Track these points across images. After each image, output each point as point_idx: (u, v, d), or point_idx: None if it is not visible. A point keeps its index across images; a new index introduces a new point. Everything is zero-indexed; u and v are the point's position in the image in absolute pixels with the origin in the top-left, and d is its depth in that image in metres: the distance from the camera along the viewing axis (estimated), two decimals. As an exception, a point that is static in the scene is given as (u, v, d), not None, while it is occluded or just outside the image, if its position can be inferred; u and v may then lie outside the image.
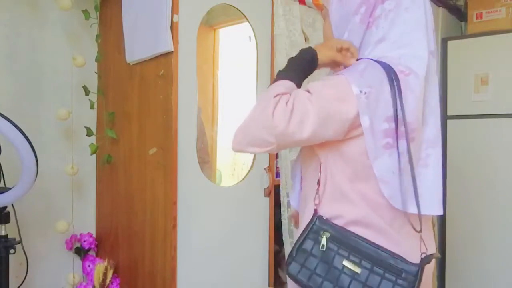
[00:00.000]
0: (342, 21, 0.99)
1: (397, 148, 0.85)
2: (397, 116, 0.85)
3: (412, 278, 0.81)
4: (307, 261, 0.90)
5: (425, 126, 0.91)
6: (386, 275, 0.83)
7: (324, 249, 0.89)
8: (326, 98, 0.85)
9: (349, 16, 0.97)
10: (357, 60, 0.94)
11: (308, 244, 0.91)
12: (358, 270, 0.85)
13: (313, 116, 0.83)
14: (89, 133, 1.75)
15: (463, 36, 2.84)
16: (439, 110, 0.94)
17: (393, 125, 0.85)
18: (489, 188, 2.49)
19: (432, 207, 0.88)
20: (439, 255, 0.83)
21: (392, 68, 0.88)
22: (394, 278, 0.82)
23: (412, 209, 0.86)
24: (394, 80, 0.86)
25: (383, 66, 0.88)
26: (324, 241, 0.89)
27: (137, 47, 1.62)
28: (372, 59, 0.90)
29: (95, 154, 1.82)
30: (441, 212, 0.88)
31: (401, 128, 0.85)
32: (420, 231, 0.84)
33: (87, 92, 1.75)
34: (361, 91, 0.85)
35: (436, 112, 0.93)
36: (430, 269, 0.96)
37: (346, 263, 0.86)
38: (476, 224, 2.52)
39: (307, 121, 0.83)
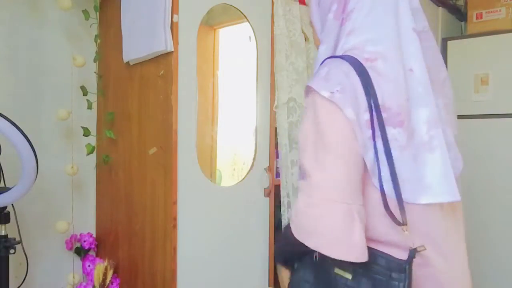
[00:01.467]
0: (321, 23, 0.98)
1: (373, 138, 0.81)
2: (371, 105, 0.81)
3: (402, 275, 0.79)
4: (305, 274, 0.89)
5: (421, 107, 0.83)
6: (378, 276, 0.81)
7: (317, 259, 0.87)
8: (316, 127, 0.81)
9: (325, 16, 0.95)
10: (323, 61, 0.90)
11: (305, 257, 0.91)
12: (349, 276, 0.83)
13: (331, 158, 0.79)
14: (86, 133, 1.74)
15: (463, 36, 2.84)
16: (444, 88, 0.90)
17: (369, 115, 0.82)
18: (489, 188, 2.49)
19: (447, 194, 0.81)
20: (424, 248, 0.78)
21: (356, 59, 0.83)
22: (385, 278, 0.80)
23: (409, 198, 0.81)
24: (362, 70, 0.82)
25: (347, 59, 0.84)
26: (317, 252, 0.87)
27: (134, 46, 1.62)
28: (334, 56, 0.87)
29: (95, 154, 1.82)
30: (457, 198, 0.81)
31: (384, 115, 0.81)
32: (404, 224, 0.79)
33: (85, 92, 1.75)
34: (332, 92, 0.80)
35: (437, 90, 0.88)
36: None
37: (337, 270, 0.84)
38: (476, 224, 2.52)
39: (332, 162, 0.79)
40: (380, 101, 0.82)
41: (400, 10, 0.87)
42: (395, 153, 0.81)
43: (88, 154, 1.76)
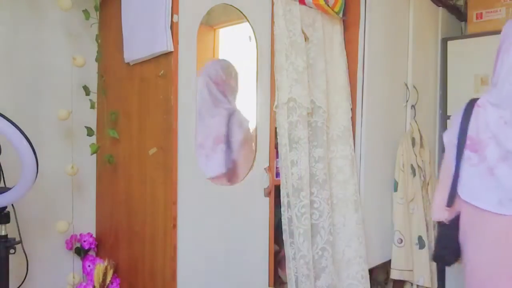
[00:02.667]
0: None
1: (456, 156, 1.38)
2: (460, 136, 1.36)
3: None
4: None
5: (494, 143, 1.29)
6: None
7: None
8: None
9: None
10: None
11: None
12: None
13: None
14: (90, 133, 1.75)
15: (463, 36, 2.84)
16: None
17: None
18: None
19: (495, 206, 1.30)
20: (444, 222, 1.47)
21: (473, 104, 1.37)
22: None
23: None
24: (468, 112, 1.37)
25: (468, 103, 1.40)
26: None
27: (136, 46, 1.62)
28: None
29: (95, 154, 1.82)
30: (493, 210, 1.31)
31: (468, 142, 1.35)
32: (448, 206, 1.43)
33: (87, 92, 1.75)
34: (450, 125, 1.46)
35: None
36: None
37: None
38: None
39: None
40: (470, 133, 1.35)
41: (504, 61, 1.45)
42: (467, 168, 1.36)
43: (92, 153, 1.76)
